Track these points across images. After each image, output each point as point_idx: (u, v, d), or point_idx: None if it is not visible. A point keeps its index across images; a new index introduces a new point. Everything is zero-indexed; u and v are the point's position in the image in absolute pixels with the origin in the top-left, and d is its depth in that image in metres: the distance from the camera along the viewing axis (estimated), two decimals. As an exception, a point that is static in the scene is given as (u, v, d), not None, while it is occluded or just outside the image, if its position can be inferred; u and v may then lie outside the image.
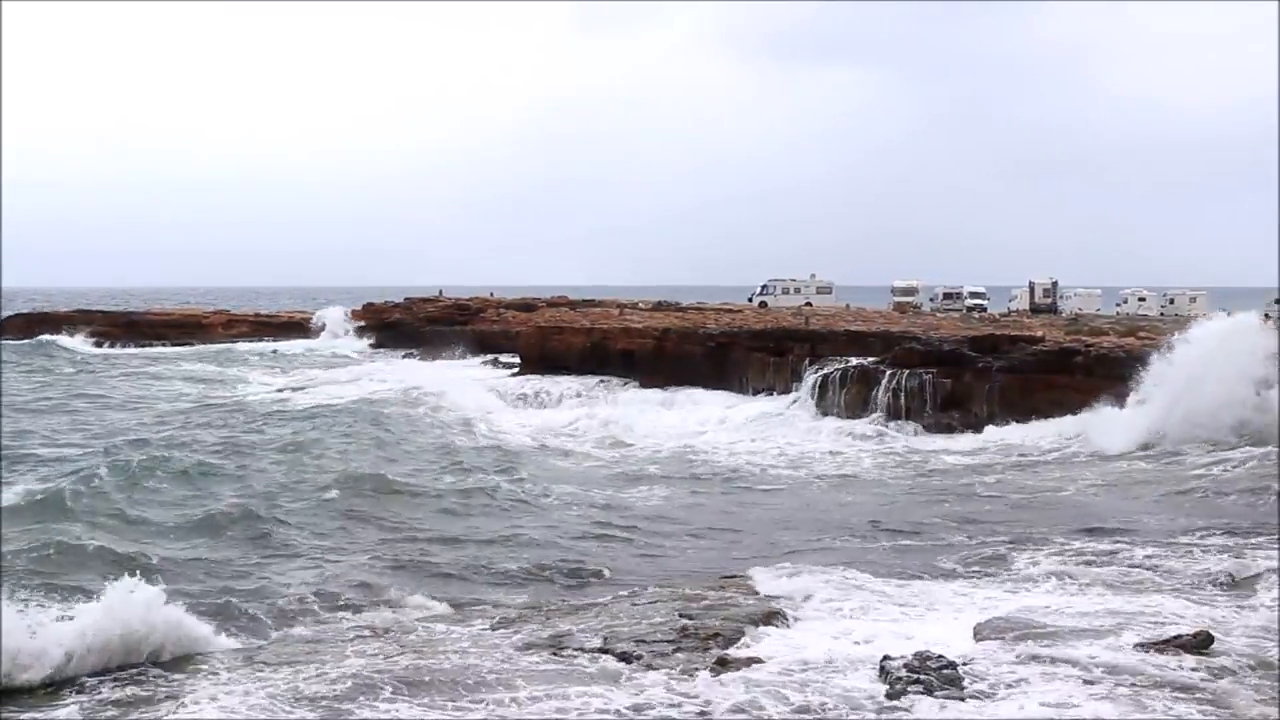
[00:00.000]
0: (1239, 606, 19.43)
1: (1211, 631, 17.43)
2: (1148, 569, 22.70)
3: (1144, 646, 17.16)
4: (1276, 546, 23.49)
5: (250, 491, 30.67)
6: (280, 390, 63.01)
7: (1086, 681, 15.67)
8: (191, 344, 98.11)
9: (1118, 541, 25.51)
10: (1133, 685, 15.50)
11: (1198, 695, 15.12)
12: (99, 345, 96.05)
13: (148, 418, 49.31)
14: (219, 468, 34.14)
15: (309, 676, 16.29)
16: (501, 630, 19.00)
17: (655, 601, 20.50)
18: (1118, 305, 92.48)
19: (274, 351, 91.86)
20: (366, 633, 19.27)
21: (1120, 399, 41.59)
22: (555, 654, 17.42)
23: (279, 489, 31.47)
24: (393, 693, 15.76)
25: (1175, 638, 17.33)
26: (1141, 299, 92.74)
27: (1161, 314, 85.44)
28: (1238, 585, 21.08)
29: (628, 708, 15.08)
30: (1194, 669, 16.08)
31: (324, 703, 15.34)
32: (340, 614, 20.55)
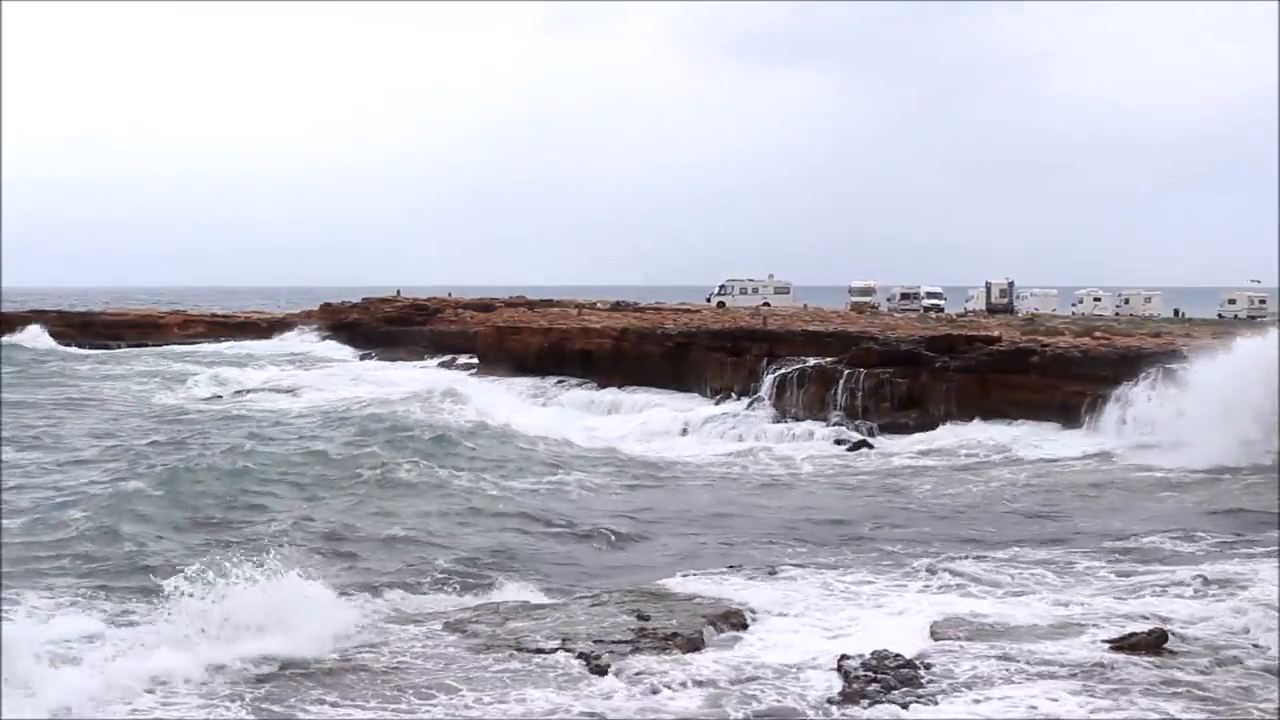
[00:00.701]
0: (1190, 606, 19.57)
1: (1166, 630, 17.59)
2: (1100, 570, 22.85)
3: (1100, 645, 17.29)
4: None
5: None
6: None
7: (1044, 679, 15.77)
8: (147, 344, 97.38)
9: (1068, 545, 25.71)
10: (1090, 682, 15.60)
11: (1156, 692, 15.23)
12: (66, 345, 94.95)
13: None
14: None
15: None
16: (457, 633, 18.92)
17: (612, 602, 20.46)
18: (1073, 305, 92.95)
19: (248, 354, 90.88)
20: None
21: (1084, 399, 41.92)
22: (514, 654, 17.38)
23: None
24: (345, 693, 15.73)
25: (1130, 635, 17.45)
26: (1097, 299, 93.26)
27: (1117, 314, 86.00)
28: (1190, 586, 21.23)
29: (587, 710, 15.07)
30: (1150, 666, 16.21)
31: (263, 704, 15.30)
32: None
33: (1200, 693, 15.18)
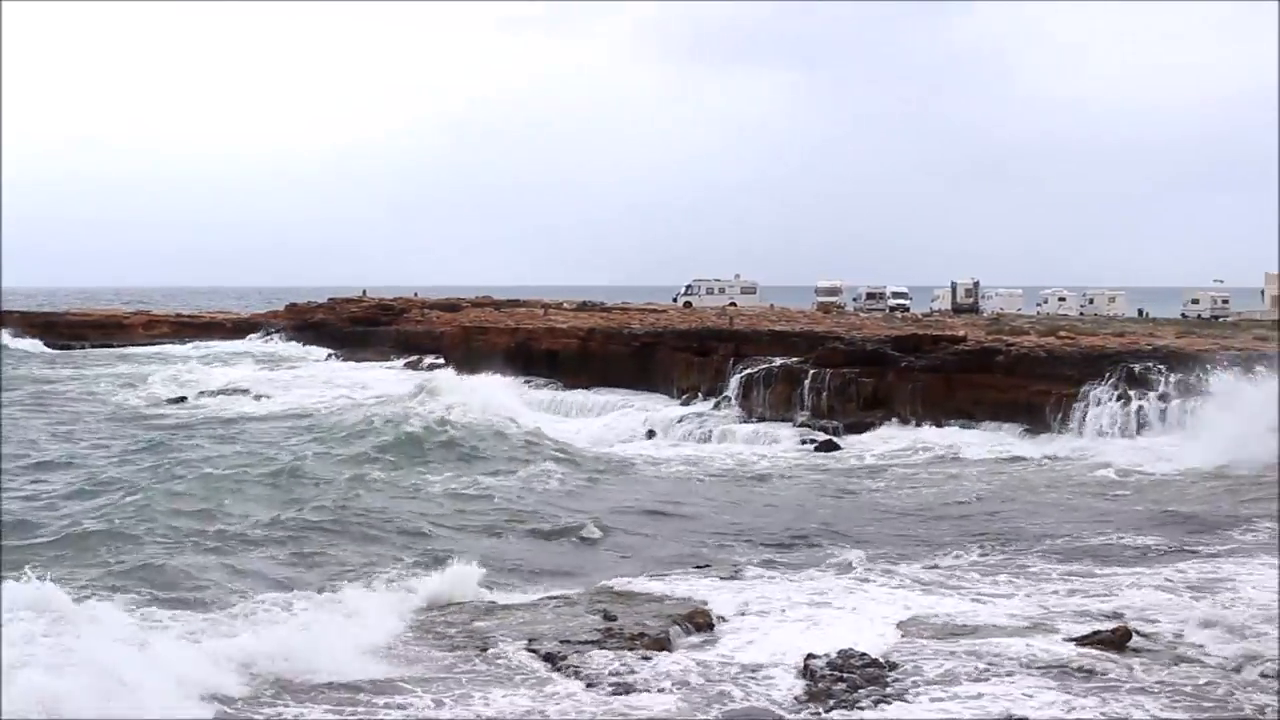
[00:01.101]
0: (1150, 604, 19.72)
1: (1130, 628, 17.72)
2: (1060, 570, 22.99)
3: (1066, 643, 17.39)
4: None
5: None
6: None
7: (1013, 677, 15.85)
8: (112, 345, 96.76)
9: (1028, 544, 25.84)
10: (1059, 680, 15.69)
11: (1123, 689, 15.34)
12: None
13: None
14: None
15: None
16: (420, 632, 18.88)
17: (578, 602, 20.48)
18: (1038, 305, 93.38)
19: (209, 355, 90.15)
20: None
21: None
22: (479, 654, 17.36)
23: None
24: (297, 695, 15.66)
25: (1096, 633, 17.58)
26: (1062, 299, 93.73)
27: (1081, 313, 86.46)
28: (1150, 585, 21.39)
29: (551, 711, 15.05)
30: (1117, 664, 16.32)
31: (236, 703, 15.21)
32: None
33: (1167, 689, 15.31)
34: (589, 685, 15.90)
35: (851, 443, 42.88)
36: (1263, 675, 15.71)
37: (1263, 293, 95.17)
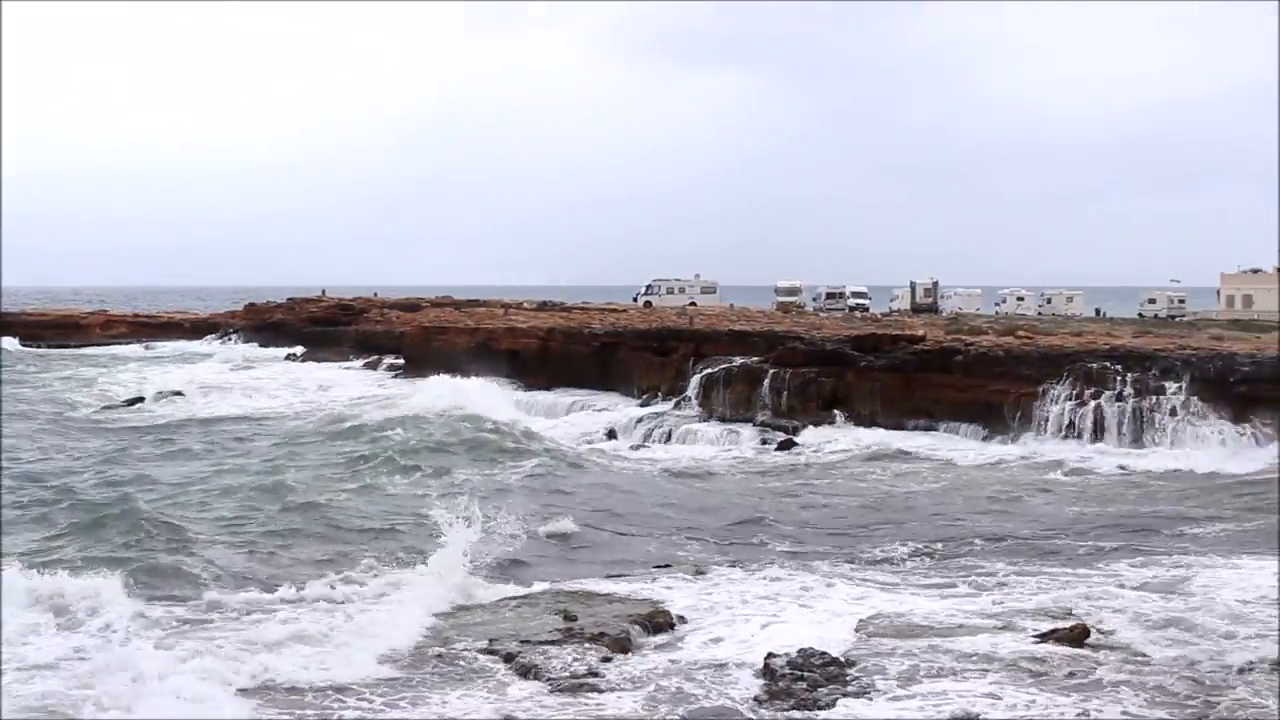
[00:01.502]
0: (1104, 602, 19.87)
1: (1088, 625, 17.84)
2: (1016, 568, 23.14)
3: (1025, 640, 17.49)
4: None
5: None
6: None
7: (970, 674, 15.93)
8: (69, 345, 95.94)
9: (983, 542, 26.02)
10: (1017, 677, 15.77)
11: (1083, 685, 15.45)
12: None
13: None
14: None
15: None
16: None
17: (539, 603, 20.46)
18: (997, 305, 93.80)
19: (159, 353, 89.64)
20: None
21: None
22: (439, 655, 17.30)
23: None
24: (255, 693, 15.59)
25: (1054, 630, 17.69)
26: (1020, 299, 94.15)
27: (1039, 313, 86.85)
28: (1103, 584, 21.55)
29: (511, 713, 15.02)
30: (1075, 659, 16.43)
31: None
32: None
33: (1126, 685, 15.42)
34: (549, 686, 15.88)
35: (810, 442, 42.96)
36: (1226, 670, 15.88)
37: (1218, 292, 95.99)
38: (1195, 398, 39.34)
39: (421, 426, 42.25)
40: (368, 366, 73.51)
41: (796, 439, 43.31)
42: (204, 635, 17.94)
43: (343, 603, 20.13)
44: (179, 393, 59.86)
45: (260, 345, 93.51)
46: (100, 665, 15.84)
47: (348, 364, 76.48)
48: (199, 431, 46.36)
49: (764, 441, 43.58)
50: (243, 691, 15.61)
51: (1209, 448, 37.61)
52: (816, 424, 45.02)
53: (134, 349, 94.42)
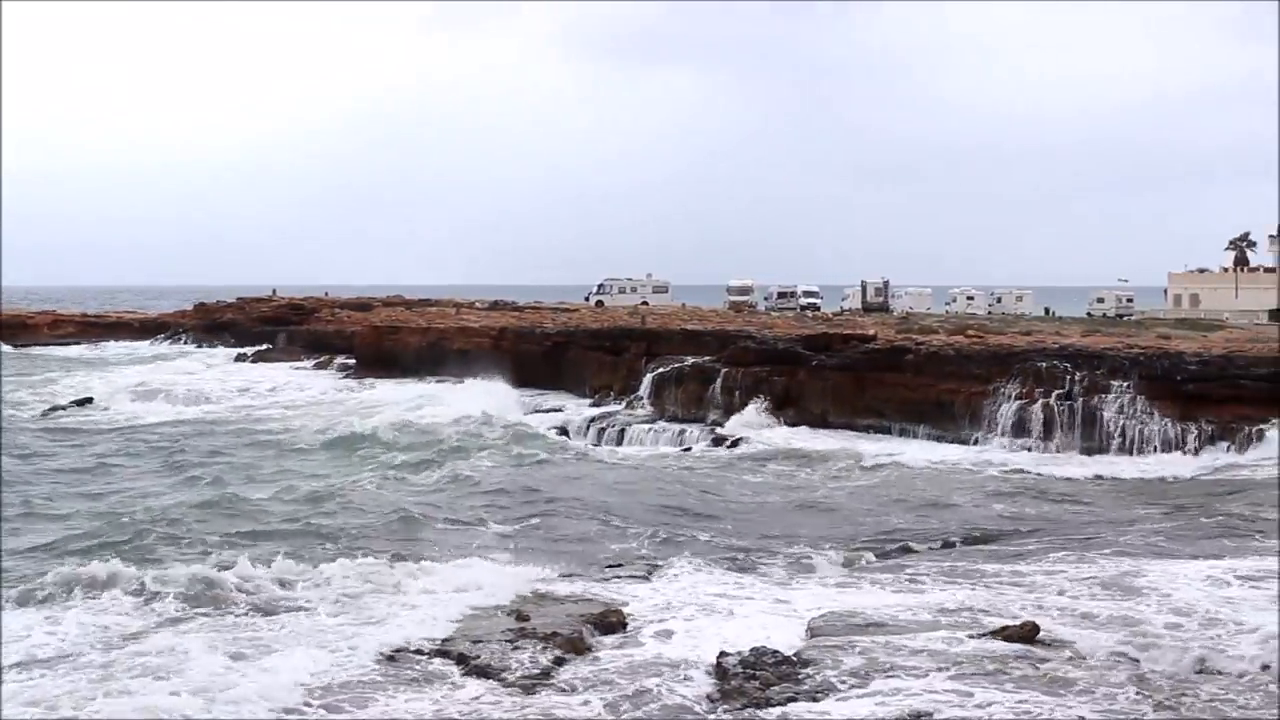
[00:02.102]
0: (1048, 602, 20.04)
1: (1036, 622, 17.96)
2: (964, 567, 23.29)
3: (973, 638, 17.57)
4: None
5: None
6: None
7: (920, 672, 15.97)
8: (16, 344, 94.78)
9: (929, 541, 26.22)
10: (967, 674, 15.84)
11: (1033, 682, 15.53)
12: None
13: None
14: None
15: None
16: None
17: (491, 603, 20.38)
18: (947, 304, 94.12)
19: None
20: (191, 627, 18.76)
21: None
22: (389, 658, 17.19)
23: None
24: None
25: (1004, 628, 17.79)
26: (970, 298, 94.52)
27: (989, 312, 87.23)
28: (1048, 583, 21.73)
29: (463, 711, 14.98)
30: (1026, 655, 16.54)
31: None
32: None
33: (1075, 681, 15.51)
34: (502, 687, 15.82)
35: (767, 438, 42.95)
36: (1176, 665, 16.03)
37: (1166, 292, 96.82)
38: (1142, 396, 39.68)
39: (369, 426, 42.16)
40: (318, 366, 73.11)
41: (746, 438, 43.26)
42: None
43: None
44: (127, 392, 59.19)
45: (210, 345, 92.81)
46: None
47: (298, 364, 75.98)
48: (144, 434, 45.95)
49: (715, 441, 43.60)
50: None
51: (1154, 446, 38.14)
52: (769, 423, 45.04)
53: (84, 350, 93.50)
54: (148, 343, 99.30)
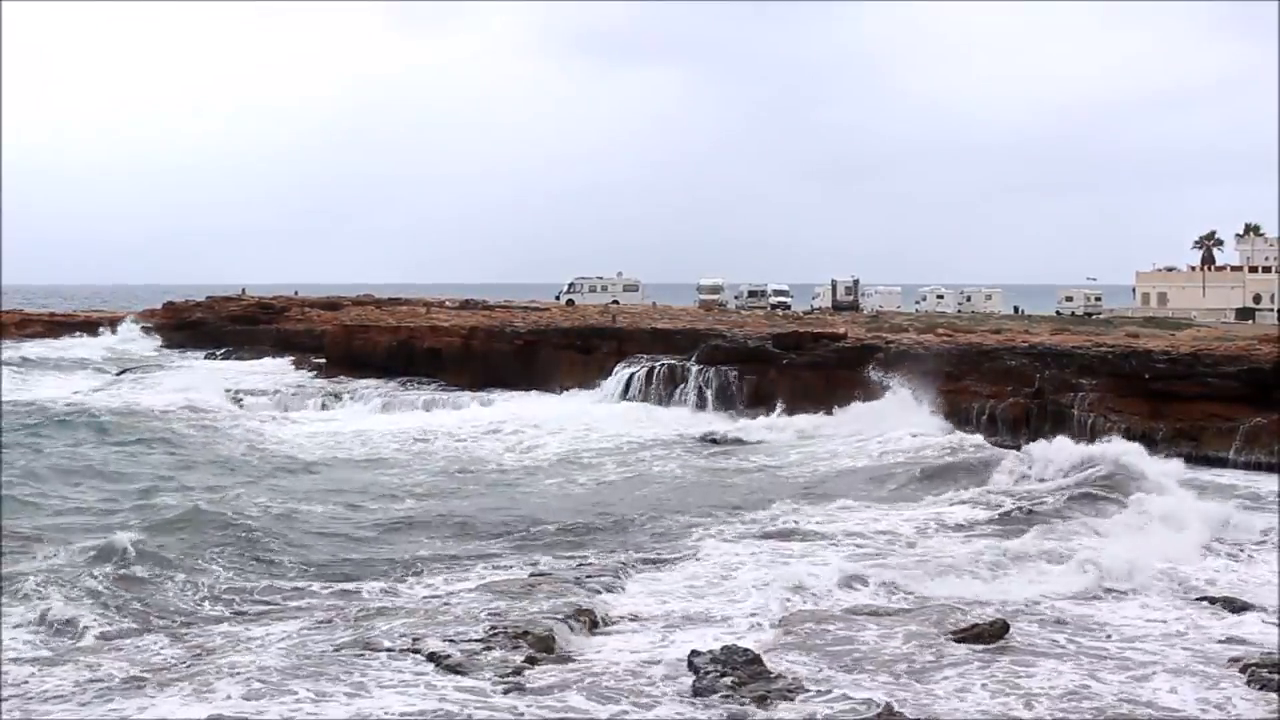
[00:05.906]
0: (1016, 594, 20.23)
1: (1005, 619, 18.12)
2: (925, 564, 23.42)
3: (944, 635, 17.70)
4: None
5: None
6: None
7: (892, 669, 16.09)
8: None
9: (902, 536, 26.34)
10: (937, 670, 15.96)
11: (1006, 679, 15.67)
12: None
13: None
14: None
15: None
16: (303, 634, 18.64)
17: (463, 603, 20.34)
18: (917, 303, 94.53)
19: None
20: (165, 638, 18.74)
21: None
22: (362, 655, 17.14)
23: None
24: (194, 691, 15.46)
25: (973, 626, 17.92)
26: (940, 296, 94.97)
27: (959, 311, 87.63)
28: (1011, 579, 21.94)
29: (434, 710, 14.95)
30: (995, 654, 16.68)
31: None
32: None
33: (1045, 676, 15.66)
34: (473, 684, 15.81)
35: (739, 436, 42.97)
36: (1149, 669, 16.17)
37: (1134, 290, 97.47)
38: (1111, 394, 39.82)
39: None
40: (289, 364, 72.65)
41: (718, 436, 43.30)
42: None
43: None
44: (97, 392, 58.82)
45: (177, 344, 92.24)
46: None
47: (268, 363, 75.47)
48: (115, 432, 45.68)
49: (689, 439, 43.60)
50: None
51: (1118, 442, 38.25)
52: (740, 422, 45.09)
53: (47, 349, 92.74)
54: (115, 339, 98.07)
